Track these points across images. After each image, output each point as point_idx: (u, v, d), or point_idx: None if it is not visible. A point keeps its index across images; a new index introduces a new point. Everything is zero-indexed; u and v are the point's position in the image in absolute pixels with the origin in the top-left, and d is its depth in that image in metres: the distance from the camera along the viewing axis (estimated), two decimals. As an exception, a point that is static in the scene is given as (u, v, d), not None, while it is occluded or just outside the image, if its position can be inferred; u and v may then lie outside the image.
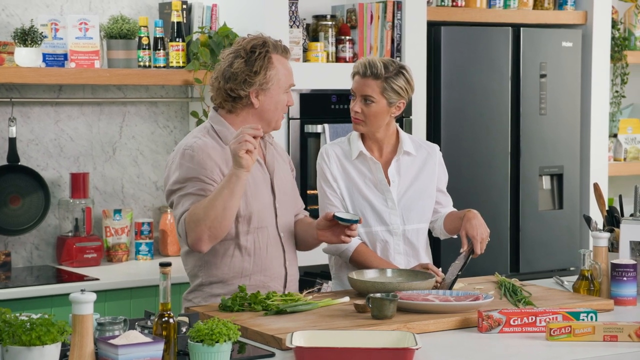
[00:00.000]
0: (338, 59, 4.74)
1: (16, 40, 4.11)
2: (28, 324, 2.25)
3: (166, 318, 2.39)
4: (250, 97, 3.19)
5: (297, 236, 3.39)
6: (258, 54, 3.18)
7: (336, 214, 3.17)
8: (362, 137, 3.52)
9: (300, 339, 2.51)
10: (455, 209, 3.63)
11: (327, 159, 3.51)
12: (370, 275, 3.30)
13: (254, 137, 2.95)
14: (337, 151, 3.53)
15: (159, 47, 4.44)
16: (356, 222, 3.18)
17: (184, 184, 3.12)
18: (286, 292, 3.15)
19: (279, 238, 3.27)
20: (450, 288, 3.24)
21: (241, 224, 3.18)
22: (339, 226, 3.20)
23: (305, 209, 3.54)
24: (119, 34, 4.40)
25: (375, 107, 3.42)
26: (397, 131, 3.56)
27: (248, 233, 3.19)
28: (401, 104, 3.46)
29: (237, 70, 3.18)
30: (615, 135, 5.81)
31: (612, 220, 3.58)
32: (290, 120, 4.46)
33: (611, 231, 3.51)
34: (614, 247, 3.48)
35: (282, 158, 3.39)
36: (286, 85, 3.24)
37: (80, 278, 4.06)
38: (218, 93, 3.23)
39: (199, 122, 4.50)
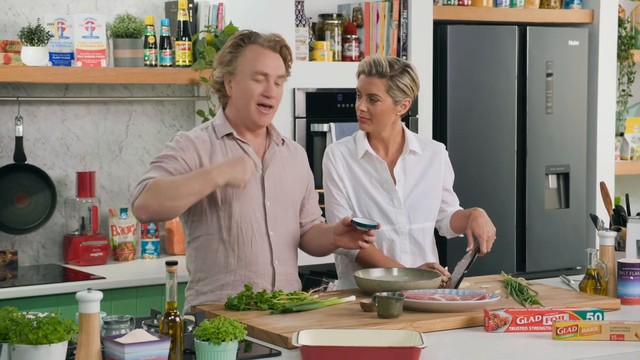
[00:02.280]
0: (344, 58, 4.74)
1: (23, 39, 4.12)
2: (35, 322, 2.25)
3: (172, 317, 2.39)
4: (225, 85, 3.22)
5: (312, 241, 3.37)
6: (231, 43, 3.21)
7: (354, 219, 3.16)
8: (368, 136, 3.51)
9: (306, 337, 2.51)
10: (461, 208, 3.63)
11: (333, 158, 3.51)
12: (376, 274, 3.29)
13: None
14: (343, 150, 3.52)
15: (165, 46, 4.44)
16: (374, 227, 3.16)
17: (161, 159, 3.16)
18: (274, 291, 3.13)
19: (267, 237, 3.23)
20: (456, 287, 3.23)
21: (222, 218, 3.18)
22: (357, 231, 3.19)
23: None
24: (125, 33, 4.40)
25: (381, 106, 3.42)
26: (403, 130, 3.55)
27: (230, 227, 3.18)
28: (407, 103, 3.45)
29: (216, 57, 3.25)
30: (621, 134, 5.80)
31: (619, 219, 3.58)
32: (297, 119, 4.46)
33: (618, 230, 3.51)
34: (620, 246, 3.47)
35: (294, 161, 3.34)
36: (251, 70, 3.17)
37: (87, 277, 4.07)
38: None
39: (205, 120, 4.50)
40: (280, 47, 3.21)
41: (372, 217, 3.46)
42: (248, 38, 3.20)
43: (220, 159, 3.16)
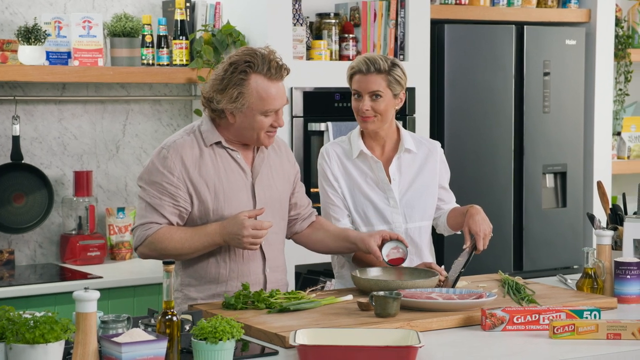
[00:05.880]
0: (341, 57, 4.74)
1: (20, 39, 4.11)
2: (31, 322, 2.25)
3: (170, 316, 2.39)
4: (225, 112, 3.10)
5: (321, 242, 3.37)
6: (232, 72, 3.06)
7: (387, 261, 3.25)
8: (362, 135, 3.51)
9: (303, 337, 2.51)
10: (458, 205, 3.62)
11: (328, 158, 3.50)
12: (373, 273, 3.30)
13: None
14: (338, 150, 3.52)
15: (163, 45, 4.44)
16: (405, 259, 3.29)
17: (147, 187, 3.11)
18: None
19: (260, 246, 3.17)
20: (453, 286, 3.24)
21: None
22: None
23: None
24: (123, 32, 4.40)
25: (384, 102, 3.41)
26: (398, 128, 3.55)
27: None
28: (402, 95, 3.46)
29: (210, 84, 3.12)
30: (619, 134, 5.81)
31: (616, 218, 3.58)
32: (294, 119, 4.46)
33: (615, 229, 3.51)
34: (617, 245, 3.47)
35: (280, 161, 3.29)
36: (261, 110, 3.07)
37: (84, 276, 4.07)
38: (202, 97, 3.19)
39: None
40: (283, 74, 3.11)
41: (367, 217, 3.45)
42: (250, 67, 3.06)
43: (210, 169, 3.12)
